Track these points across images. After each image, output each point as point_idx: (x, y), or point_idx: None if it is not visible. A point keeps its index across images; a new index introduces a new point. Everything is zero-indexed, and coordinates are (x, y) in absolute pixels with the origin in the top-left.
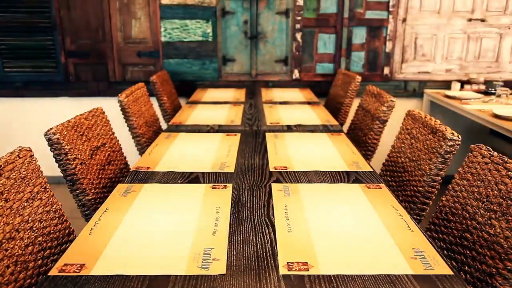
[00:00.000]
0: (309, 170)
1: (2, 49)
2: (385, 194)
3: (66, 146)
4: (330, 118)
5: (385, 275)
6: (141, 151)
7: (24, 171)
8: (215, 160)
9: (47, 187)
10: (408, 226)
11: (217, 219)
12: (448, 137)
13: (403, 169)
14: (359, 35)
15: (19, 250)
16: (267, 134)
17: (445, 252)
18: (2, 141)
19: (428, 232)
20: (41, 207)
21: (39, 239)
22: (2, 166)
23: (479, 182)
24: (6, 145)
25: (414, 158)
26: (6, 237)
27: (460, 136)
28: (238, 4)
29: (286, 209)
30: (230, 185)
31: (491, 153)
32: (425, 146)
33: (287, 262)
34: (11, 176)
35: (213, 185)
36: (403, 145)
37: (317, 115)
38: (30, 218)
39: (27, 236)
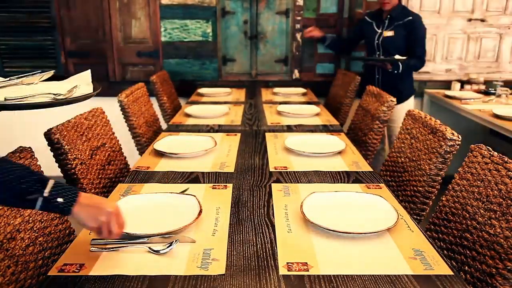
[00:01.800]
0: (309, 170)
1: (2, 49)
2: (385, 194)
3: (66, 146)
4: (330, 118)
5: (385, 275)
6: (141, 151)
7: None
8: (215, 160)
9: None
10: (408, 226)
11: (217, 219)
12: (448, 137)
13: (403, 169)
14: None
15: (20, 250)
16: (267, 134)
17: (445, 252)
18: (2, 141)
19: (428, 232)
20: None
21: (40, 239)
22: None
23: (479, 182)
24: (7, 145)
25: (414, 158)
26: (7, 237)
27: (460, 136)
28: (238, 4)
29: (286, 209)
30: (230, 185)
31: (491, 153)
32: (425, 146)
33: (287, 262)
34: None
35: (213, 185)
36: (403, 145)
37: (318, 115)
38: (30, 218)
39: (28, 236)
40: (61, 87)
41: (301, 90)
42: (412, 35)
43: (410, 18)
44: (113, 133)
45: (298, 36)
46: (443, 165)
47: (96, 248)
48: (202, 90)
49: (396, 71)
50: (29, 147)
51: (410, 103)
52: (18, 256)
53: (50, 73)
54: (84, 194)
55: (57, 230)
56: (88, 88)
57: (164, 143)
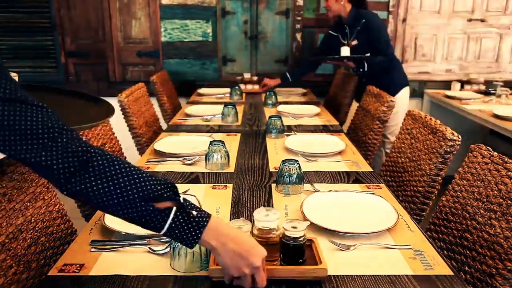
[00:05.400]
0: (309, 170)
1: (2, 49)
2: (385, 194)
3: None
4: (330, 118)
5: (385, 275)
6: (141, 151)
7: (26, 171)
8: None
9: (50, 187)
10: (408, 226)
11: None
12: (448, 137)
13: (403, 169)
14: None
15: (22, 250)
16: (267, 134)
17: (445, 252)
18: None
19: (428, 232)
20: (43, 207)
21: (42, 239)
22: (5, 166)
23: (479, 182)
24: None
25: (414, 158)
26: (9, 237)
27: (460, 136)
28: (238, 4)
29: (286, 209)
30: (230, 185)
31: (491, 153)
32: (425, 146)
33: None
34: (14, 176)
35: (213, 185)
36: (403, 145)
37: (318, 115)
38: (33, 218)
39: (30, 236)
40: None
41: (301, 90)
42: (370, 36)
43: (363, 20)
44: (113, 133)
45: (298, 36)
46: (443, 165)
47: (96, 248)
48: (202, 90)
49: (361, 69)
50: None
51: (402, 98)
52: (20, 256)
53: None
54: (216, 219)
55: (59, 230)
56: None
57: (164, 143)
